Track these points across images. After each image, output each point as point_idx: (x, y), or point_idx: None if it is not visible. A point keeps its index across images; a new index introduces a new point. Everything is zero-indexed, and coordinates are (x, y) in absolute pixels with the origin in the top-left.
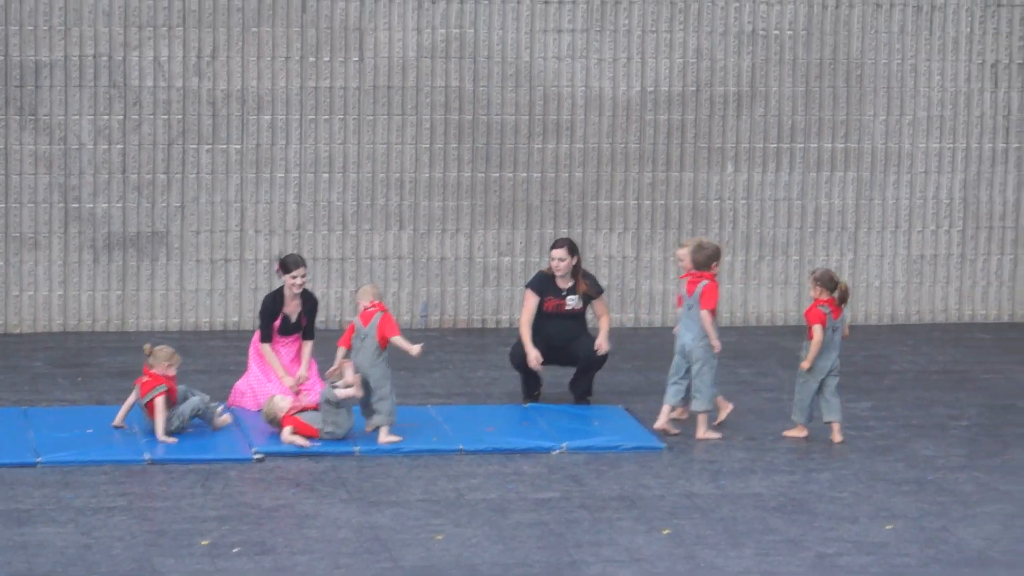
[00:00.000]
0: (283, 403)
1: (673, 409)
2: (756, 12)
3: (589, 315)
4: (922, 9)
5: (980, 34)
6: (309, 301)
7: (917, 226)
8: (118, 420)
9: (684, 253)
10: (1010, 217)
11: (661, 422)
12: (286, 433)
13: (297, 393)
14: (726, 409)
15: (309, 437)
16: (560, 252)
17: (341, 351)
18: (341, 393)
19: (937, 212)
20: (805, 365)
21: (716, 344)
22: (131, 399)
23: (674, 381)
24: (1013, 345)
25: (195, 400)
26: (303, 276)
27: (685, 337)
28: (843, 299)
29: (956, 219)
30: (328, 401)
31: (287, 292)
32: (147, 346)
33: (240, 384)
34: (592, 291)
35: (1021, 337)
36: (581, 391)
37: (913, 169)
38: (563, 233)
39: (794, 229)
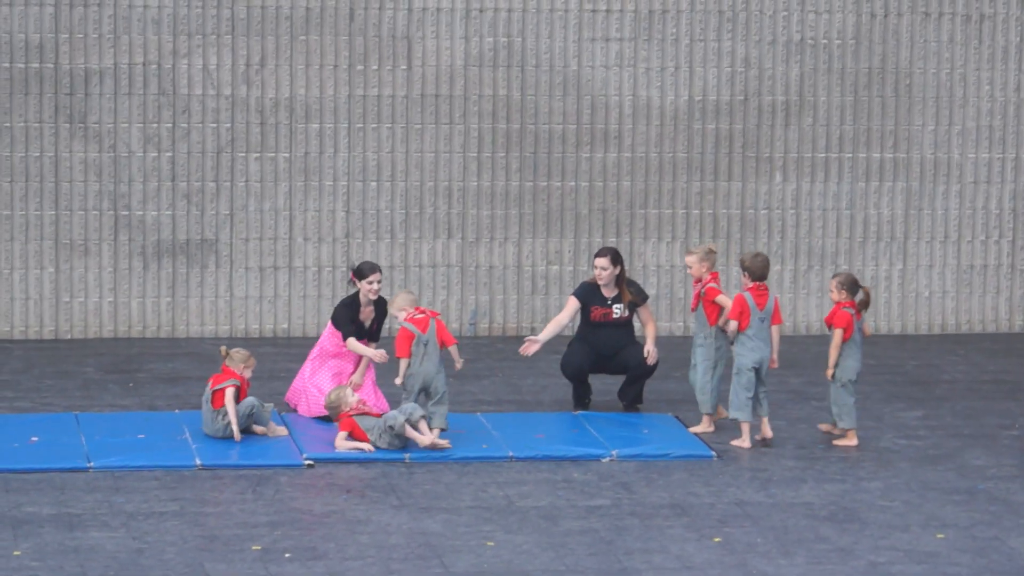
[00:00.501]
0: (352, 399)
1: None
2: (805, 21)
3: (636, 323)
4: (971, 19)
5: None
6: (381, 307)
7: (967, 236)
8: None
9: (693, 260)
10: None
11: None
12: (340, 439)
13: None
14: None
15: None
16: (603, 261)
17: (403, 363)
18: (410, 433)
19: (987, 222)
20: (829, 373)
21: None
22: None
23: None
24: None
25: (250, 399)
26: (379, 282)
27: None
28: (865, 304)
29: (1006, 229)
30: (392, 428)
31: (362, 298)
32: (223, 348)
33: (297, 383)
34: (638, 299)
35: None
36: (631, 399)
37: (963, 179)
38: (611, 242)
39: (843, 239)
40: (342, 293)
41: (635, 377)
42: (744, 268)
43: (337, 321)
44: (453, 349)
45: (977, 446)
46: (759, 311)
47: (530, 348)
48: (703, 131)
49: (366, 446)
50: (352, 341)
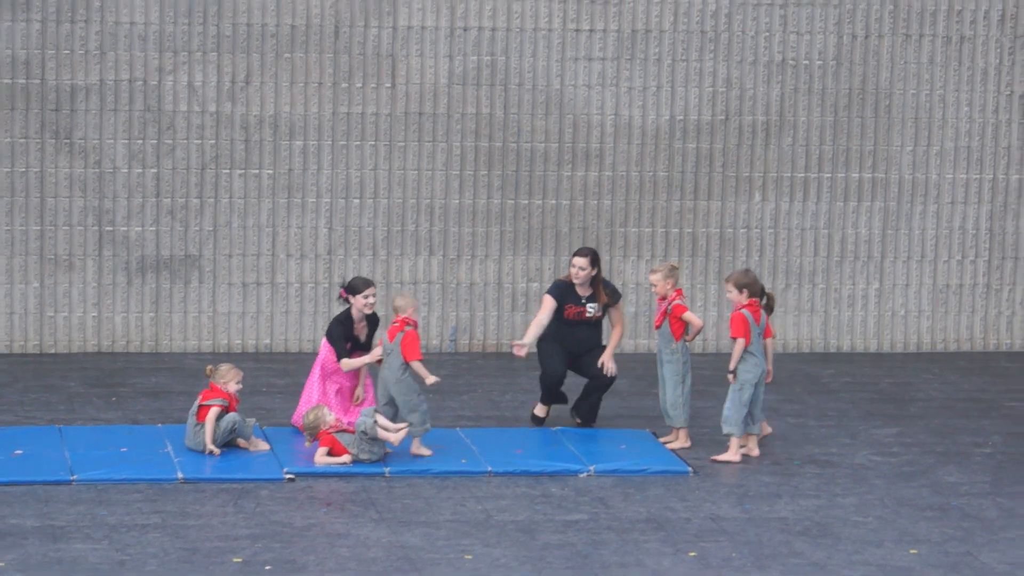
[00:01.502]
0: (330, 417)
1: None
2: (786, 42)
3: (606, 324)
4: (951, 40)
5: (1009, 66)
6: (373, 321)
7: (943, 256)
8: (208, 443)
9: (657, 278)
10: None
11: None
12: (320, 455)
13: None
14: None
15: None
16: (583, 261)
17: (417, 364)
18: (382, 434)
19: (963, 242)
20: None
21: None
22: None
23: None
24: None
25: (232, 415)
26: (374, 295)
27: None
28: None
29: (982, 249)
30: (364, 432)
31: (356, 314)
32: (208, 368)
33: (304, 404)
34: (612, 299)
35: None
36: (587, 414)
37: (940, 199)
38: None
39: (820, 258)
40: (324, 309)
41: (593, 388)
42: (741, 286)
43: (331, 339)
44: (415, 365)
45: (951, 463)
46: (756, 326)
47: (521, 351)
48: (684, 150)
49: (345, 458)
50: (346, 361)
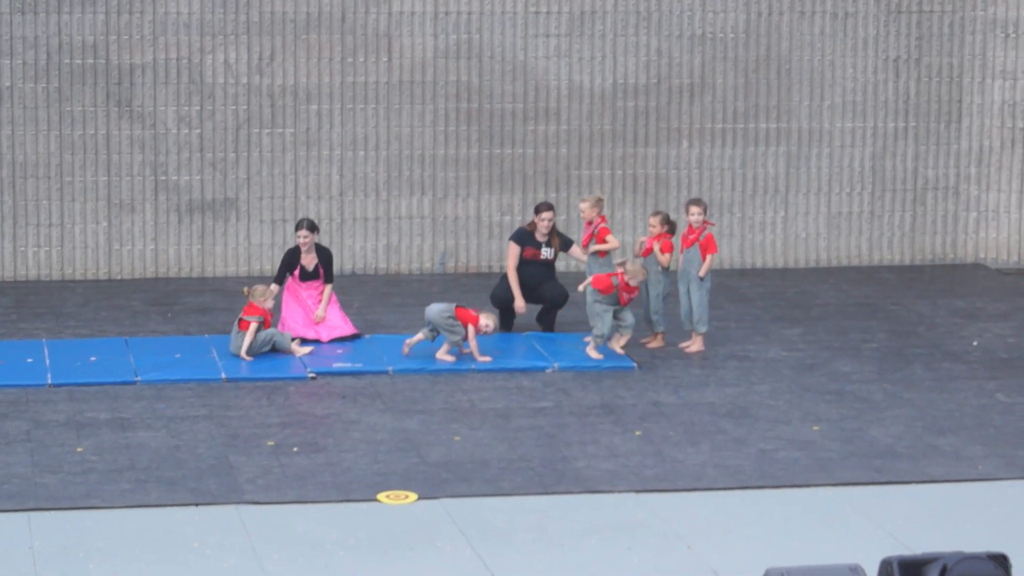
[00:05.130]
0: (265, 301)
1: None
2: (705, 19)
3: (562, 264)
4: (838, 16)
5: (884, 36)
6: (323, 254)
7: (836, 189)
8: (243, 352)
9: (585, 206)
10: (910, 181)
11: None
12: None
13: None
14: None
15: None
16: (551, 215)
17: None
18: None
19: (851, 178)
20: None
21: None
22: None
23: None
24: (913, 284)
25: (269, 331)
26: (304, 237)
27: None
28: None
29: (867, 183)
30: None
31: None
32: (244, 289)
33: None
34: (564, 246)
35: (920, 277)
36: (548, 324)
37: (832, 144)
38: (551, 197)
39: (736, 192)
40: (337, 240)
41: (550, 307)
42: (666, 222)
43: (280, 265)
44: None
45: (845, 356)
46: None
47: (521, 309)
48: (624, 108)
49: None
50: (274, 286)
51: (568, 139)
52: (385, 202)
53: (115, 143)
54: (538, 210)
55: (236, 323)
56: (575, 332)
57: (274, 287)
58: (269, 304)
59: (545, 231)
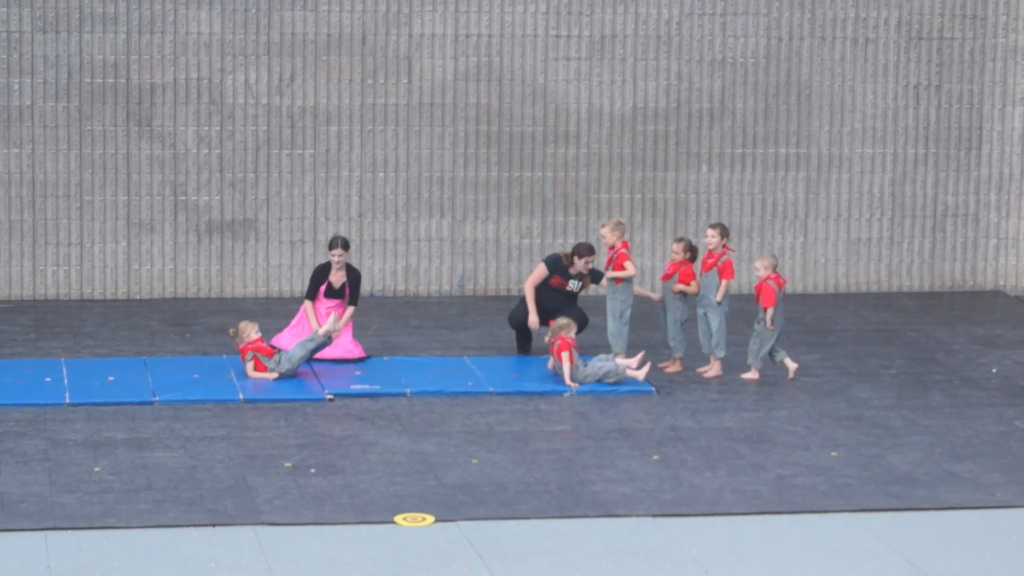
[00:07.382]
0: (252, 333)
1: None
2: (725, 44)
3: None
4: (858, 41)
5: (904, 62)
6: (353, 274)
7: (855, 215)
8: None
9: (606, 231)
10: (929, 208)
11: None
12: (249, 369)
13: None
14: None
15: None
16: (592, 259)
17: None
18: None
19: (871, 204)
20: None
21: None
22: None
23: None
24: (932, 310)
25: (302, 353)
26: (339, 256)
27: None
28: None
29: (886, 209)
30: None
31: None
32: (231, 331)
33: (284, 334)
34: (595, 278)
35: (939, 304)
36: None
37: (851, 169)
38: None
39: (756, 217)
40: (356, 261)
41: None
42: (688, 248)
43: (310, 279)
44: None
45: (863, 382)
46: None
47: (534, 325)
48: (644, 131)
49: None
50: (308, 304)
51: (588, 163)
52: (404, 224)
53: (135, 163)
54: (580, 253)
55: (248, 366)
56: (590, 355)
57: (307, 304)
58: (255, 335)
59: (581, 271)
